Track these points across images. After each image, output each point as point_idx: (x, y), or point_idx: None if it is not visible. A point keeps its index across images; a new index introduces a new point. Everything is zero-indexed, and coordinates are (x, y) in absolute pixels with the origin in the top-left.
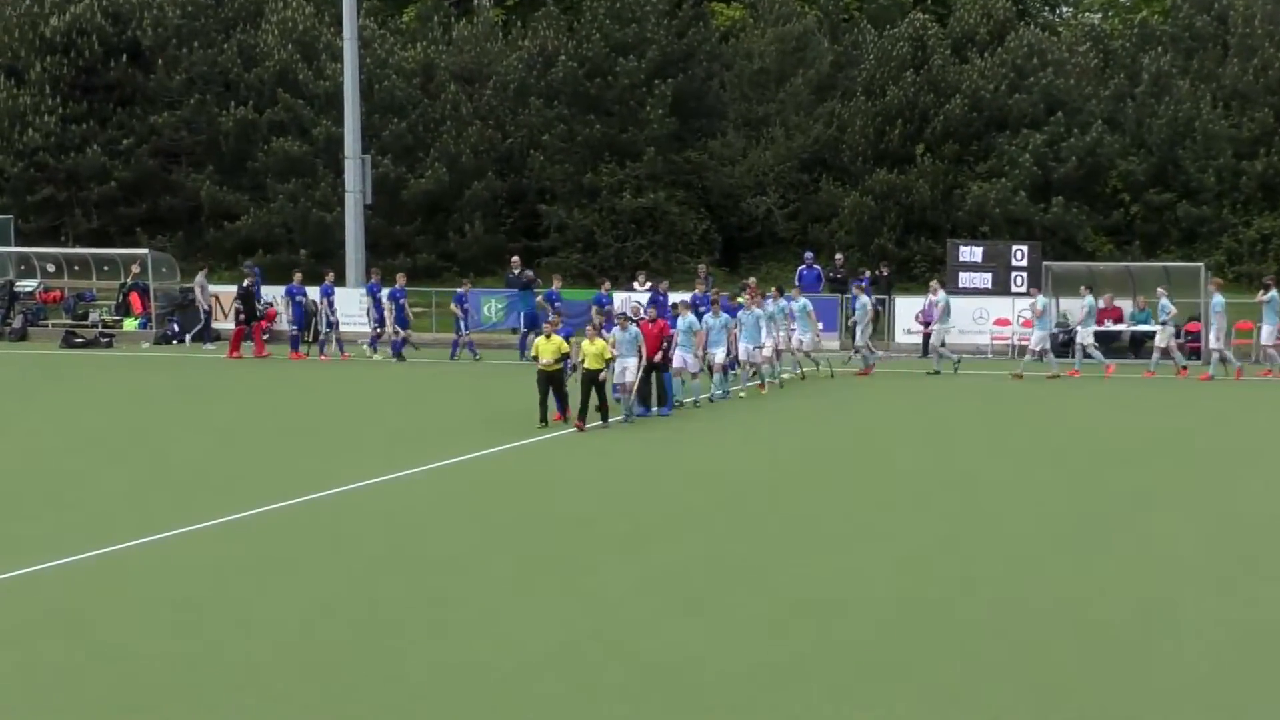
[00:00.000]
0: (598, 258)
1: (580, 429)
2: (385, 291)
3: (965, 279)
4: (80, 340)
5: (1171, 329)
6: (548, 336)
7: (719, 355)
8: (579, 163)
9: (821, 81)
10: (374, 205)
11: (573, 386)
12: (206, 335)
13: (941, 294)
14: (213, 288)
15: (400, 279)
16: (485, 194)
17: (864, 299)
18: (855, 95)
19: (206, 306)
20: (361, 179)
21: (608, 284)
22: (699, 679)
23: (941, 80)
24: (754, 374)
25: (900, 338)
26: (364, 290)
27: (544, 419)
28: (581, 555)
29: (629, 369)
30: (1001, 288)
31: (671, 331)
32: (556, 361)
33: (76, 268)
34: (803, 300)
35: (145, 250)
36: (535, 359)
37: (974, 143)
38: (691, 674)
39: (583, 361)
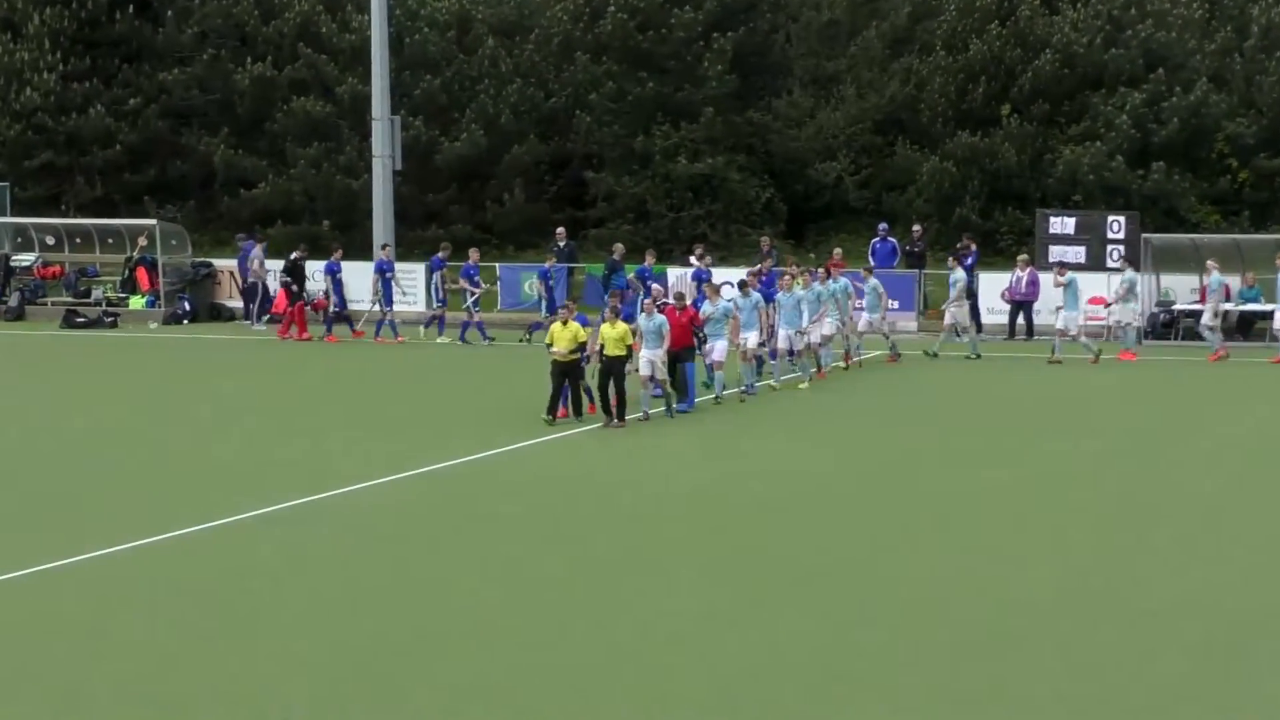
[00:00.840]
0: (650, 229)
1: (616, 424)
2: (411, 265)
3: (1056, 253)
4: (82, 320)
5: None
6: (564, 322)
7: (751, 339)
8: (630, 125)
9: (897, 35)
10: (404, 171)
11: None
12: (260, 313)
13: (1130, 272)
14: (230, 263)
15: (474, 254)
16: (526, 159)
17: (960, 273)
18: (935, 50)
19: (262, 280)
20: (390, 142)
21: (652, 255)
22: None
23: (1030, 33)
24: (799, 362)
25: (985, 317)
26: (323, 269)
27: (553, 412)
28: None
29: (654, 362)
30: (1096, 262)
31: (703, 320)
32: (573, 351)
33: (78, 240)
34: (873, 281)
35: (153, 221)
36: (550, 347)
37: (1065, 102)
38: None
39: (601, 349)
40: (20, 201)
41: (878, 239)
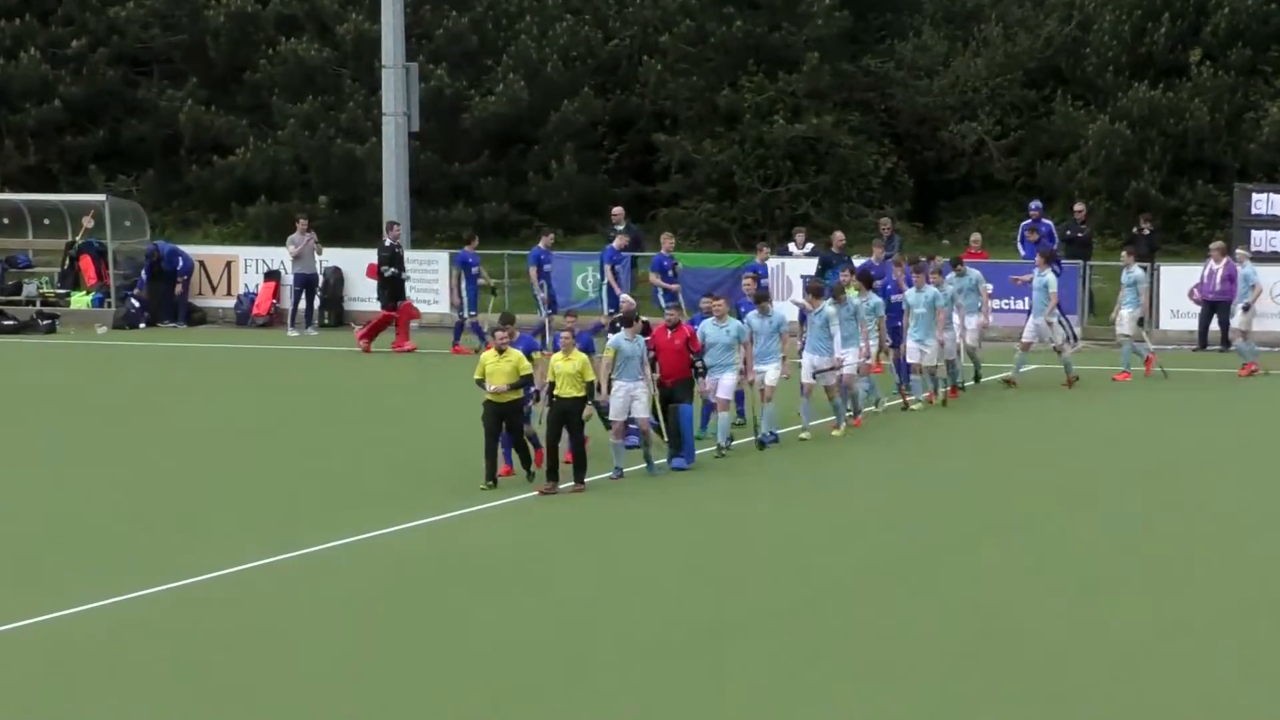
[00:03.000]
0: (737, 209)
1: (546, 491)
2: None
3: (1259, 238)
4: (11, 323)
5: None
6: (500, 349)
7: (770, 374)
8: (711, 75)
9: None
10: (423, 134)
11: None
12: (312, 315)
13: (1249, 265)
14: (200, 250)
15: (546, 239)
16: (579, 119)
17: (1137, 270)
18: None
19: (320, 274)
20: (405, 97)
21: (765, 249)
22: None
23: None
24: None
25: (1166, 322)
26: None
27: (492, 475)
28: None
29: (638, 400)
30: None
31: (700, 343)
32: (514, 387)
33: (5, 221)
34: (1048, 276)
35: (102, 196)
36: (480, 384)
37: (1272, 47)
38: None
39: (551, 388)
40: None
41: (1029, 221)
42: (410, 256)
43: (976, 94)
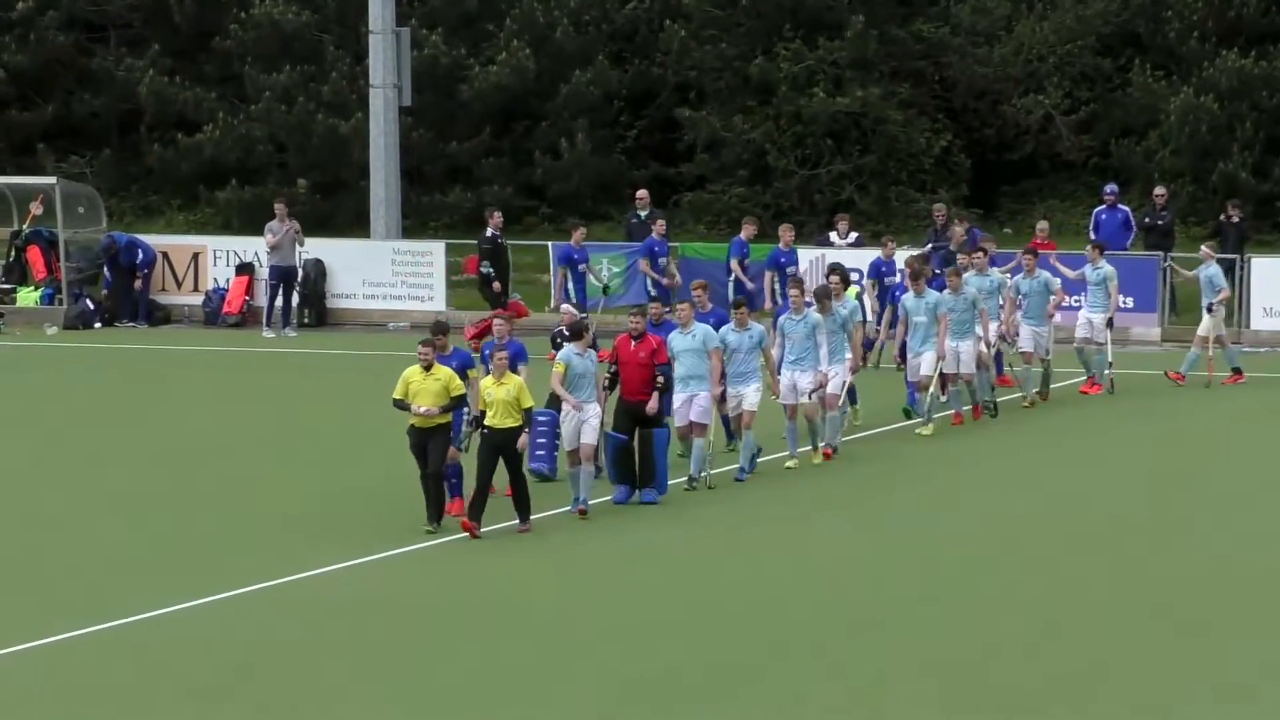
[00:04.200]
0: (771, 193)
1: (472, 532)
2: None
3: None
4: None
5: None
6: (427, 366)
7: (749, 397)
8: (742, 41)
9: None
10: (415, 108)
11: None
12: (290, 314)
13: (1213, 265)
14: (163, 240)
15: (578, 234)
16: (592, 92)
17: (1214, 267)
18: None
19: (299, 267)
20: (396, 67)
21: (790, 231)
22: None
23: None
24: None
25: (1257, 321)
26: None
27: (437, 517)
28: None
29: (588, 424)
30: None
31: (670, 354)
32: (444, 410)
33: None
34: (1105, 267)
35: (52, 179)
36: (401, 405)
37: None
38: None
39: (481, 416)
40: None
41: (1103, 207)
42: (400, 247)
43: (1043, 63)
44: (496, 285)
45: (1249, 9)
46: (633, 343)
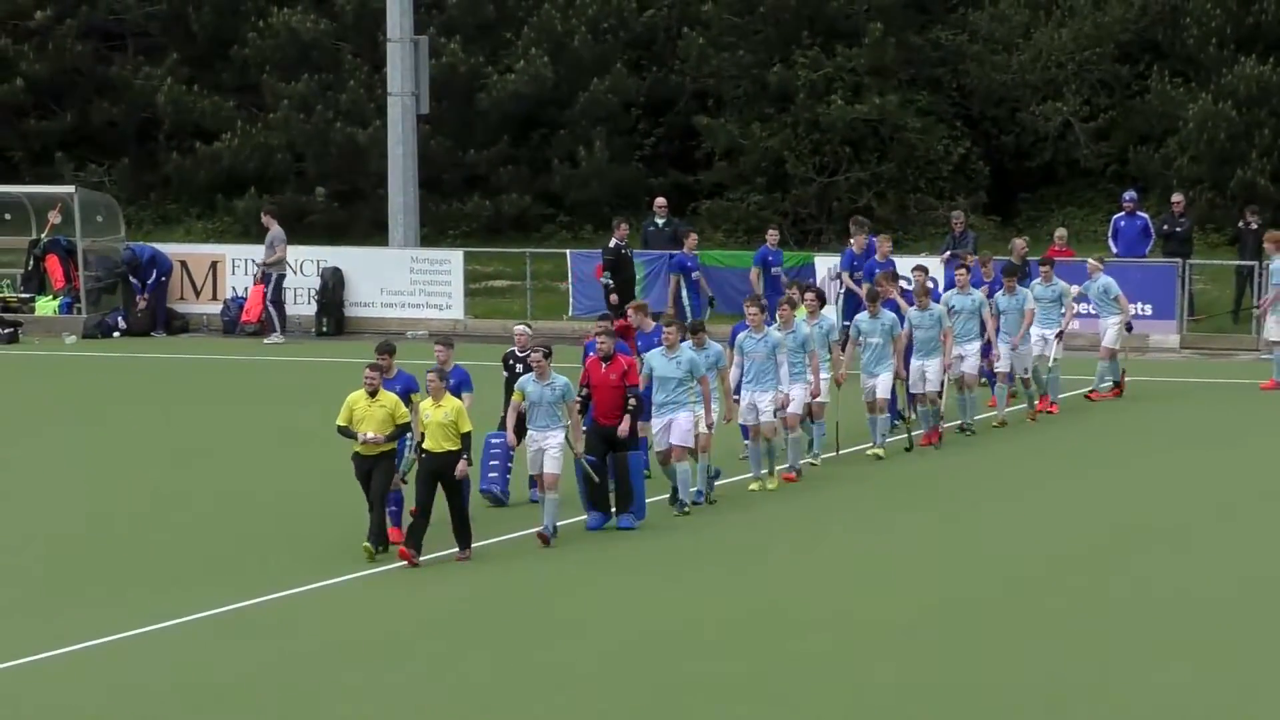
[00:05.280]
0: (789, 201)
1: (410, 560)
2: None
3: None
4: None
5: None
6: (372, 393)
7: (764, 407)
8: (761, 49)
9: None
10: (434, 117)
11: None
12: (273, 323)
13: (1103, 276)
14: (181, 249)
15: (690, 240)
16: (610, 99)
17: (1104, 279)
18: None
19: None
20: (414, 75)
21: (774, 232)
22: None
23: None
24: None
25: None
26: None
27: (380, 540)
28: None
29: (549, 453)
30: None
31: (641, 379)
32: (389, 438)
33: None
34: (1103, 279)
35: (70, 188)
36: (346, 432)
37: None
38: None
39: (421, 441)
40: None
41: (1122, 214)
42: (418, 255)
43: (1061, 70)
44: (614, 297)
45: (1267, 16)
46: (603, 365)
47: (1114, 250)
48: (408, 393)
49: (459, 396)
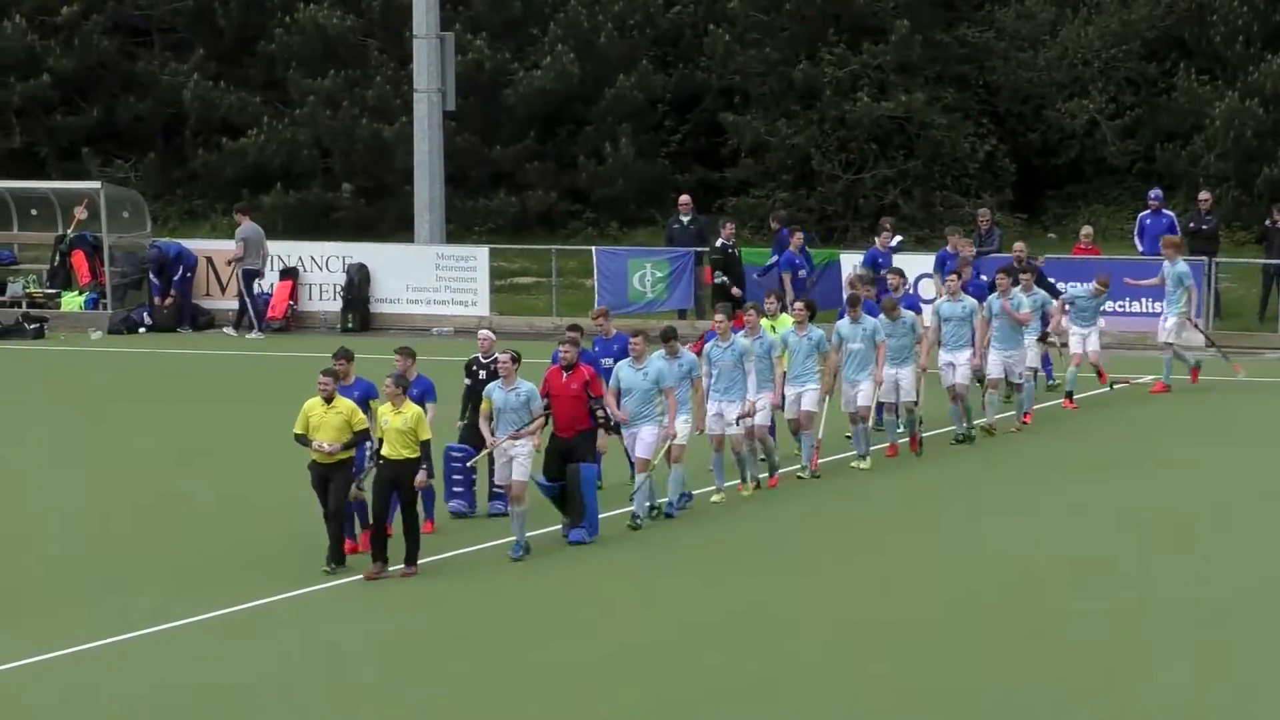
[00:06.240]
0: (815, 198)
1: (372, 576)
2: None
3: None
4: None
5: None
6: (327, 399)
7: (678, 430)
8: (786, 46)
9: None
10: (460, 113)
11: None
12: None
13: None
14: (206, 245)
15: (796, 239)
16: (636, 96)
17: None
18: None
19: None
20: (440, 71)
21: (888, 226)
22: None
23: None
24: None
25: None
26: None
27: (337, 556)
28: None
29: (518, 461)
30: None
31: (604, 387)
32: (346, 446)
33: None
34: (1038, 294)
35: (97, 183)
36: (303, 440)
37: None
38: None
39: (380, 446)
40: None
41: (1148, 212)
42: (444, 252)
43: (1088, 68)
44: (736, 291)
45: None
46: (564, 374)
47: (1139, 248)
48: (366, 399)
49: (422, 407)
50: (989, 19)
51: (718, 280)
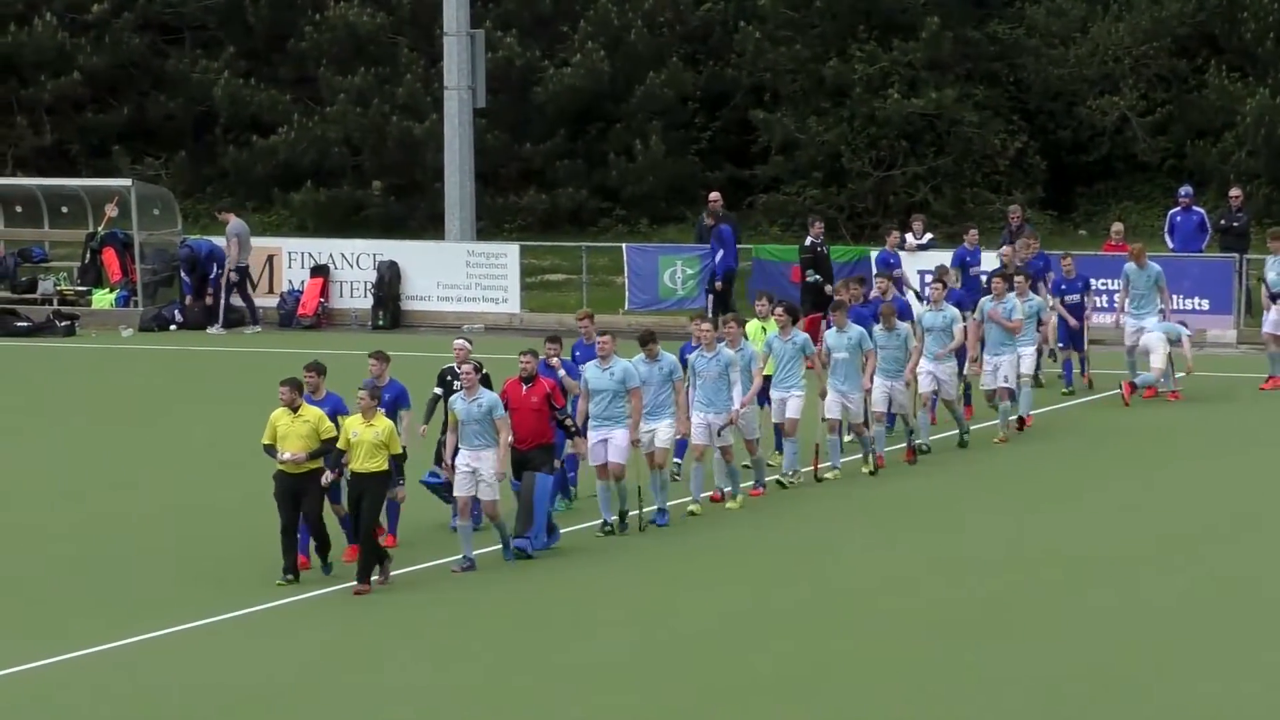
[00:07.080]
0: (845, 195)
1: (361, 592)
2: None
3: None
4: (24, 324)
5: None
6: (294, 408)
7: (661, 434)
8: (817, 43)
9: None
10: (490, 111)
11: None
12: (251, 311)
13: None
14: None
15: (970, 235)
16: (666, 93)
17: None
18: None
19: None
20: (470, 69)
21: (895, 233)
22: None
23: None
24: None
25: None
26: None
27: (291, 568)
28: None
29: (484, 474)
30: None
31: (565, 396)
32: (313, 455)
33: (18, 209)
34: (1034, 300)
35: (128, 181)
36: (270, 451)
37: None
38: None
39: (340, 457)
40: None
41: (1178, 209)
42: (475, 249)
43: (1118, 64)
44: (829, 288)
45: None
46: (524, 386)
47: (1170, 245)
48: (335, 415)
49: (395, 414)
50: (1019, 15)
51: (810, 279)
